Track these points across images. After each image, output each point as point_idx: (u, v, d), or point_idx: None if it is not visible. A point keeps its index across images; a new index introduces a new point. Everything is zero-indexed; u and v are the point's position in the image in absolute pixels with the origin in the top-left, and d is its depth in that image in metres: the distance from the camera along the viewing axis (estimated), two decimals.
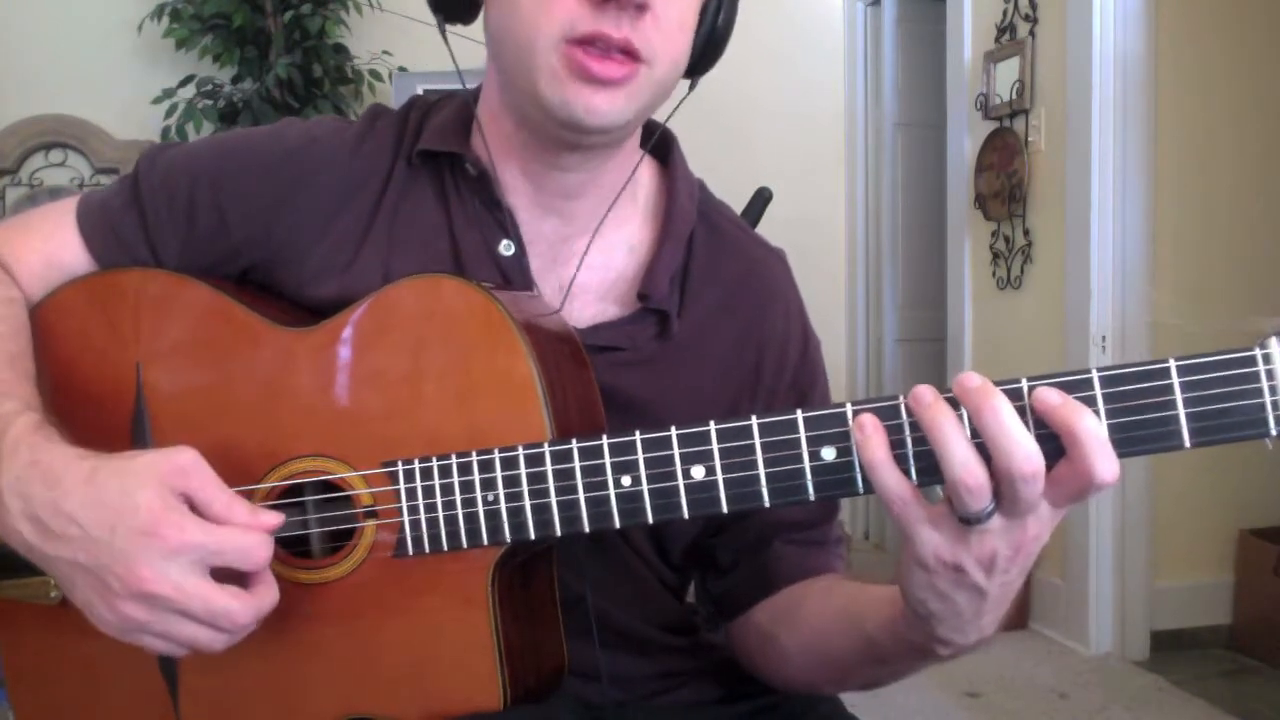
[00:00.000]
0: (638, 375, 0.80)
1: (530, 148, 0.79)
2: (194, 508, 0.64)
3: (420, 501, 0.68)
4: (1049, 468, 0.55)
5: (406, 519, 0.68)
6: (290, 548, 0.72)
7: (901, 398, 0.58)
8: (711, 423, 0.62)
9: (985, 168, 3.09)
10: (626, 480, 0.63)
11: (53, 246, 0.81)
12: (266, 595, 0.66)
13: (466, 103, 0.84)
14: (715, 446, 0.62)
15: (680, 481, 0.62)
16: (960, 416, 0.56)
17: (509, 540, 0.66)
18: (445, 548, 0.68)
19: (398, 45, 3.35)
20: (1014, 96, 2.94)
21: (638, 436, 0.63)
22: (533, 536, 0.65)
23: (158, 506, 0.62)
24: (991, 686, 2.50)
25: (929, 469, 0.57)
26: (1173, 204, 2.72)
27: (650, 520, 0.63)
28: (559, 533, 0.65)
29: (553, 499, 0.65)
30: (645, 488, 0.63)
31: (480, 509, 0.66)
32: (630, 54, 0.71)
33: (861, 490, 0.60)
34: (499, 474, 0.66)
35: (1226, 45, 2.77)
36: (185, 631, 0.64)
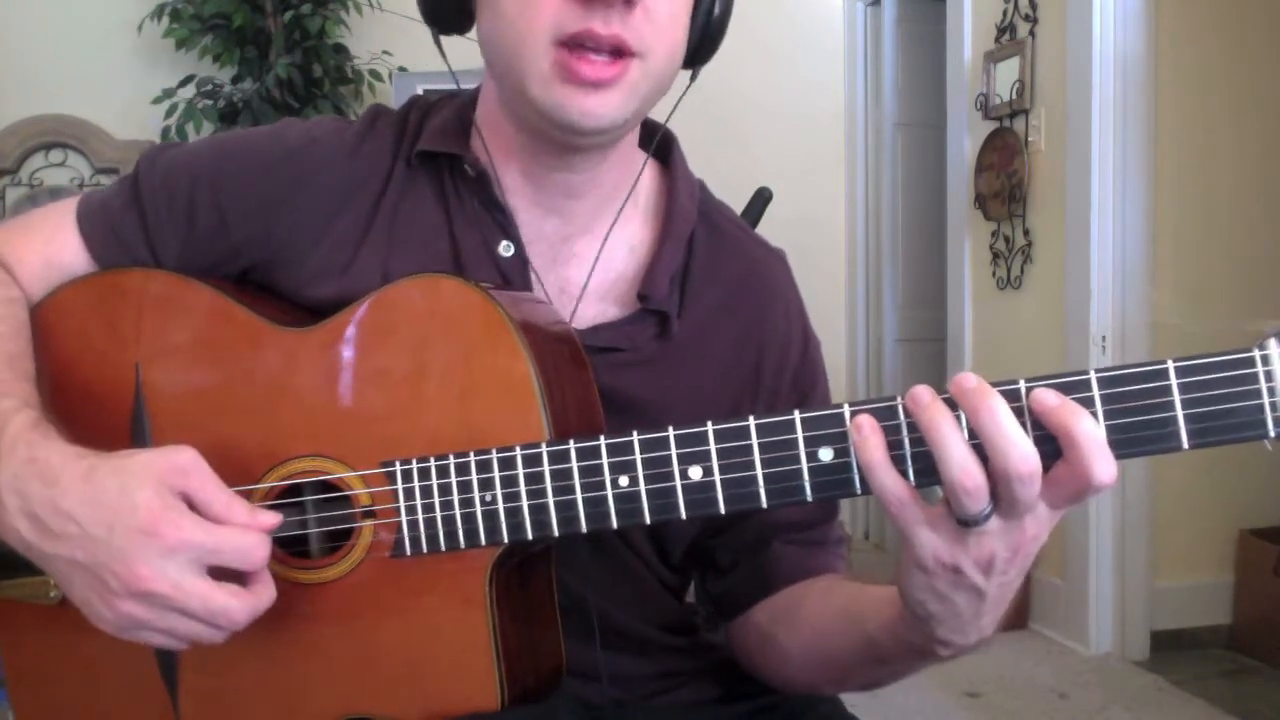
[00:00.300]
0: (638, 376, 0.80)
1: (529, 149, 0.79)
2: (193, 507, 0.64)
3: (418, 502, 0.68)
4: (1047, 469, 0.55)
5: (404, 519, 0.68)
6: (288, 548, 0.72)
7: (900, 398, 0.58)
8: (709, 423, 0.62)
9: (985, 168, 3.09)
10: (624, 481, 0.63)
11: (53, 247, 0.81)
12: (264, 593, 0.66)
13: (465, 106, 0.84)
14: (713, 447, 0.62)
15: (678, 482, 0.62)
16: (958, 418, 0.56)
17: (506, 540, 0.66)
18: (443, 548, 0.68)
19: (398, 45, 3.35)
20: (1014, 96, 2.94)
21: (635, 437, 0.63)
22: (530, 537, 0.65)
23: (156, 505, 0.62)
24: (991, 686, 2.50)
25: (927, 470, 0.57)
26: (1173, 204, 2.72)
27: (648, 521, 0.63)
28: (556, 533, 0.65)
29: (550, 499, 0.65)
30: (643, 488, 0.63)
31: (478, 509, 0.66)
32: (621, 50, 0.71)
33: (859, 491, 0.59)
34: (496, 474, 0.66)
35: (1226, 45, 2.77)
36: (183, 628, 0.64)
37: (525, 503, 0.65)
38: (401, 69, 3.35)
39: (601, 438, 0.64)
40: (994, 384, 0.56)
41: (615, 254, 0.84)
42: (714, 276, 0.85)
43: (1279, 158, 2.81)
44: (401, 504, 0.68)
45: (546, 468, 0.65)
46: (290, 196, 0.80)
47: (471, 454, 0.66)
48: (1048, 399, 0.55)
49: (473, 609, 0.69)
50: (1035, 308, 2.93)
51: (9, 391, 0.70)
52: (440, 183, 0.82)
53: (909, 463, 0.58)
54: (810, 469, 0.60)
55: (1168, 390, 0.55)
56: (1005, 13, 3.00)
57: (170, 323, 0.77)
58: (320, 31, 3.24)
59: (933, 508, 0.58)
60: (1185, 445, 0.55)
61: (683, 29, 0.77)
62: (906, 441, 0.58)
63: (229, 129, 3.19)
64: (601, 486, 0.64)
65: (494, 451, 0.66)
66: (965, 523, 0.56)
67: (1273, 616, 2.64)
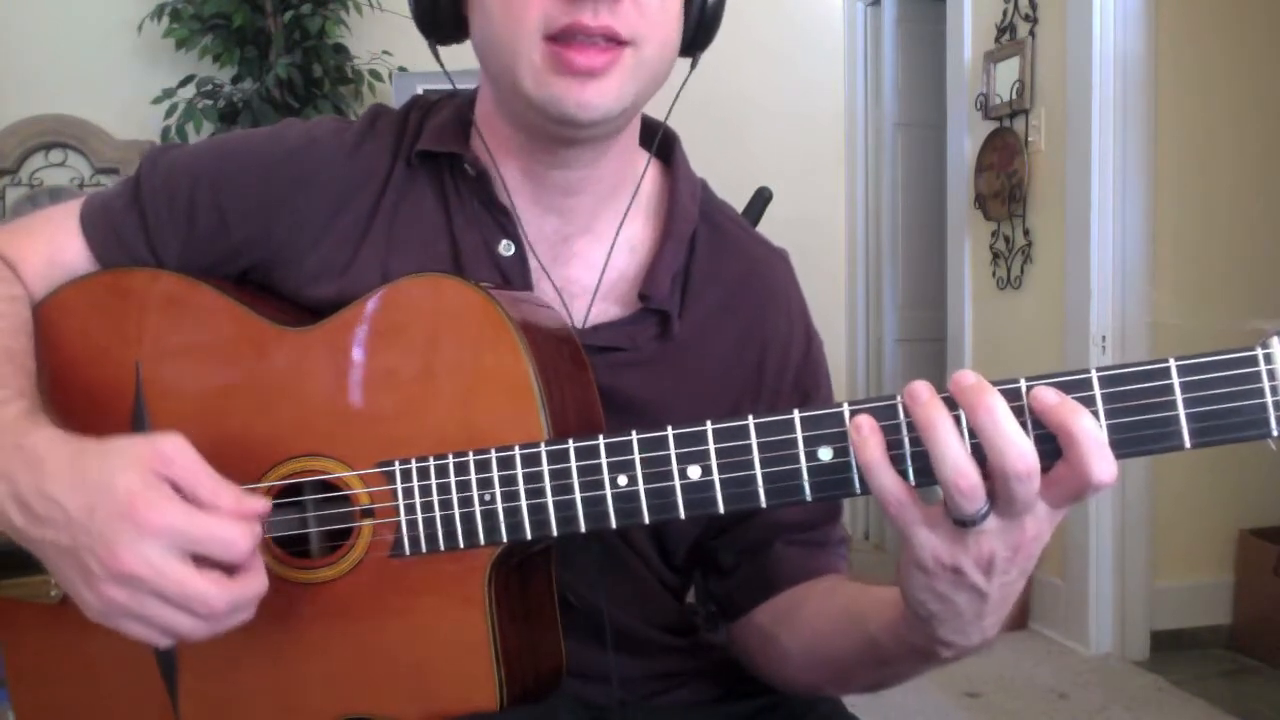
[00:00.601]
0: (638, 376, 0.80)
1: (527, 148, 0.79)
2: (181, 494, 0.63)
3: (417, 501, 0.68)
4: (1047, 469, 0.55)
5: (403, 519, 0.68)
6: (287, 547, 0.72)
7: (899, 397, 0.58)
8: (708, 423, 0.62)
9: (985, 168, 3.09)
10: (623, 480, 0.63)
11: (55, 246, 0.82)
12: (250, 583, 0.64)
13: (464, 106, 0.84)
14: (712, 446, 0.61)
15: (677, 482, 0.62)
16: (958, 417, 0.55)
17: (505, 540, 0.66)
18: (442, 548, 0.67)
19: (398, 45, 3.35)
20: (1014, 96, 2.94)
21: (634, 436, 0.63)
22: (529, 536, 0.65)
23: (138, 488, 0.61)
24: (991, 686, 2.50)
25: (926, 470, 0.57)
26: (1173, 204, 2.72)
27: (647, 520, 0.63)
28: (555, 533, 0.65)
29: (549, 499, 0.65)
30: (642, 488, 0.63)
31: (477, 509, 0.66)
32: (613, 39, 0.71)
33: (859, 491, 0.59)
34: (495, 474, 0.66)
35: (1226, 45, 2.77)
36: (162, 615, 0.62)
37: (524, 502, 0.65)
38: (401, 69, 3.35)
39: (600, 437, 0.64)
40: (994, 383, 0.56)
41: (616, 253, 0.84)
42: (716, 276, 0.85)
43: (1279, 158, 2.80)
44: (400, 504, 0.68)
45: (545, 467, 0.65)
46: (290, 197, 0.80)
47: (470, 454, 0.66)
48: (1047, 397, 0.54)
49: (472, 609, 0.69)
50: (1035, 308, 2.93)
51: (3, 384, 0.70)
52: (440, 182, 0.82)
53: (908, 462, 0.58)
54: (810, 469, 0.60)
55: (1169, 389, 0.54)
56: (1005, 13, 3.00)
57: (171, 322, 0.77)
58: (320, 31, 3.24)
59: (931, 507, 0.57)
60: (1187, 444, 0.55)
61: (675, 16, 0.77)
62: (906, 441, 0.58)
63: (229, 129, 3.20)
64: (600, 486, 0.63)
65: (493, 451, 0.66)
66: (962, 522, 0.56)
67: (1273, 616, 2.64)
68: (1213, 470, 2.73)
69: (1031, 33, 2.89)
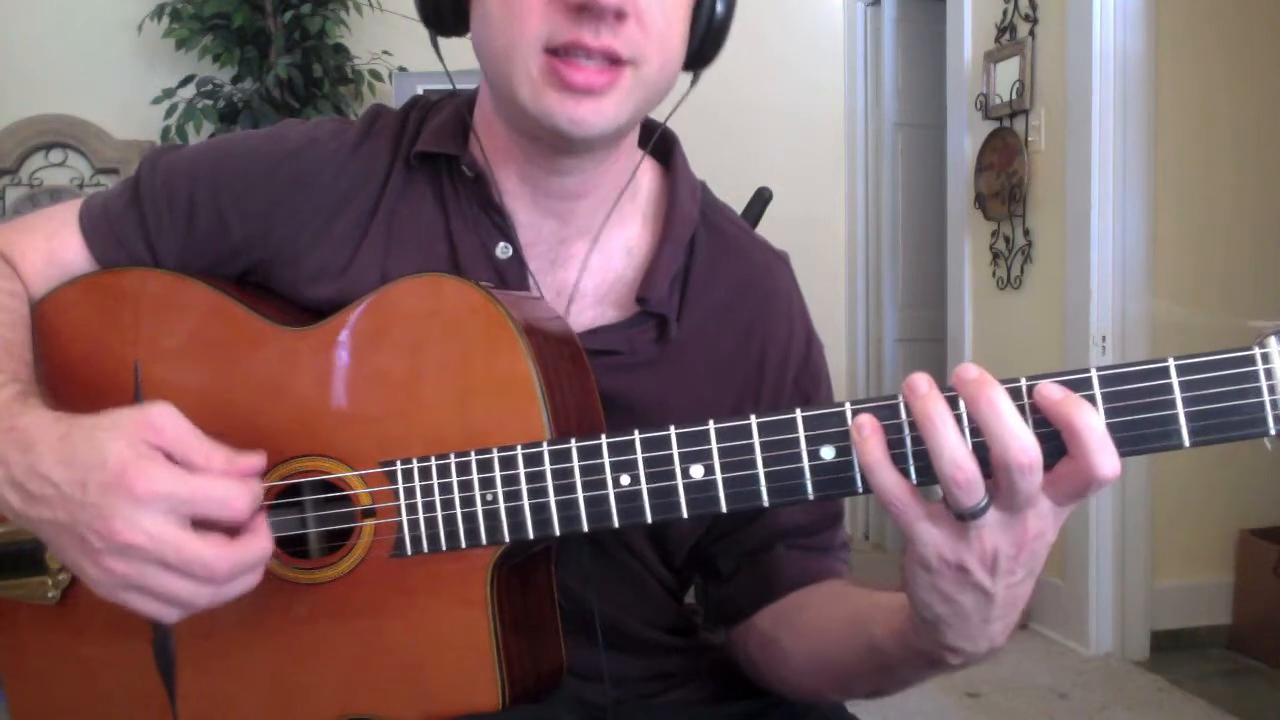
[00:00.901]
0: (637, 379, 0.80)
1: (526, 152, 0.79)
2: (174, 462, 0.62)
3: (419, 501, 0.68)
4: (1050, 466, 0.55)
5: (405, 519, 0.68)
6: (288, 548, 0.72)
7: (901, 396, 0.58)
8: (710, 422, 0.62)
9: (985, 168, 3.09)
10: (625, 480, 0.63)
11: (55, 245, 0.82)
12: (252, 545, 0.63)
13: (462, 108, 0.84)
14: (714, 446, 0.61)
15: (679, 481, 0.62)
16: (959, 416, 0.55)
17: (507, 540, 0.66)
18: (444, 548, 0.67)
19: (398, 45, 3.35)
20: (1014, 96, 2.94)
21: (636, 436, 0.63)
22: (531, 536, 0.65)
23: (128, 456, 0.61)
24: (991, 686, 2.50)
25: (928, 469, 0.57)
26: (1173, 204, 2.72)
27: (649, 520, 0.63)
28: (558, 532, 0.65)
29: (551, 499, 0.65)
30: (644, 487, 0.63)
31: (479, 509, 0.66)
32: (613, 59, 0.70)
33: (861, 490, 0.59)
34: (497, 474, 0.66)
35: (1226, 44, 2.77)
36: (163, 583, 0.61)
37: (526, 502, 0.65)
38: (401, 69, 3.35)
39: (603, 436, 0.64)
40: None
41: (614, 256, 0.83)
42: (715, 279, 0.84)
43: (1279, 158, 2.80)
44: (402, 503, 0.68)
45: (548, 467, 0.65)
46: (290, 198, 0.80)
47: (472, 453, 0.66)
48: (1051, 393, 0.54)
49: (473, 609, 0.69)
50: (1035, 308, 2.93)
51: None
52: (439, 183, 0.82)
53: (910, 461, 0.58)
54: (812, 467, 0.60)
55: (1169, 389, 0.55)
56: (1005, 13, 3.00)
57: (170, 322, 0.77)
58: (320, 31, 3.24)
59: (932, 504, 0.57)
60: (1186, 443, 0.55)
61: (679, 36, 0.76)
62: (908, 440, 0.58)
63: (229, 129, 3.20)
64: (603, 485, 0.63)
65: (495, 451, 0.66)
66: (962, 516, 0.56)
67: (1273, 616, 2.64)
68: (1213, 470, 2.73)
69: (1031, 33, 2.89)
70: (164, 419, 0.63)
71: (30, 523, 0.65)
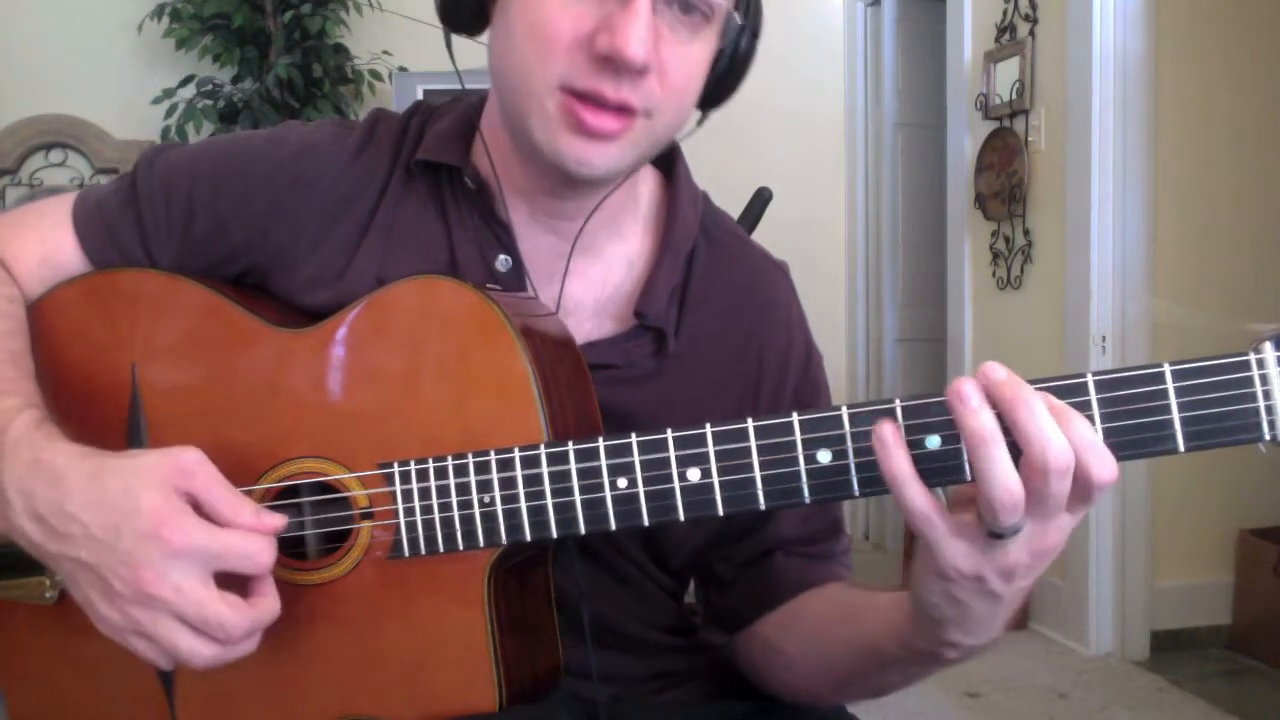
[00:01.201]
0: (635, 392, 0.80)
1: (529, 173, 0.78)
2: (199, 509, 0.64)
3: (416, 503, 0.68)
4: None
5: (402, 520, 0.68)
6: (286, 549, 0.72)
7: (898, 401, 0.58)
8: (708, 425, 0.62)
9: (985, 168, 3.09)
10: (623, 482, 0.63)
11: (49, 245, 0.81)
12: (266, 608, 0.65)
13: (468, 113, 0.83)
14: (711, 449, 0.62)
15: (676, 484, 0.62)
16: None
17: (505, 542, 0.66)
18: (441, 550, 0.68)
19: (398, 45, 3.35)
20: (1014, 96, 2.94)
21: (634, 439, 0.63)
22: (529, 538, 0.65)
23: (162, 508, 0.62)
24: (991, 686, 2.50)
25: (934, 473, 0.57)
26: (1173, 204, 2.72)
27: (646, 522, 0.63)
28: (555, 534, 0.65)
29: (549, 501, 0.65)
30: (641, 490, 0.63)
31: (476, 510, 0.66)
32: (628, 110, 0.70)
33: (858, 493, 0.59)
34: (495, 476, 0.66)
35: (1227, 44, 2.77)
36: (173, 636, 0.63)
37: (524, 504, 0.65)
38: (402, 69, 3.35)
39: (600, 439, 0.64)
40: None
41: (613, 269, 0.83)
42: (714, 291, 0.84)
43: (1279, 158, 2.80)
44: (400, 505, 0.68)
45: (545, 469, 0.65)
46: (289, 202, 0.79)
47: (470, 455, 0.66)
48: (1048, 403, 0.54)
49: (471, 610, 0.69)
50: (1035, 308, 2.93)
51: (13, 390, 0.70)
52: (439, 192, 0.81)
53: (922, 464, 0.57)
54: (808, 471, 0.60)
55: (1164, 394, 0.55)
56: (1005, 13, 3.00)
57: (167, 323, 0.77)
58: (320, 31, 3.24)
59: (961, 519, 0.56)
60: (1181, 448, 0.55)
61: (695, 90, 0.75)
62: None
63: (229, 129, 3.20)
64: (600, 488, 0.64)
65: (492, 453, 0.66)
66: (999, 535, 0.55)
67: (1273, 616, 2.64)
68: (1212, 471, 2.74)
69: (1031, 33, 2.89)
70: (195, 464, 0.64)
71: (48, 556, 0.65)
